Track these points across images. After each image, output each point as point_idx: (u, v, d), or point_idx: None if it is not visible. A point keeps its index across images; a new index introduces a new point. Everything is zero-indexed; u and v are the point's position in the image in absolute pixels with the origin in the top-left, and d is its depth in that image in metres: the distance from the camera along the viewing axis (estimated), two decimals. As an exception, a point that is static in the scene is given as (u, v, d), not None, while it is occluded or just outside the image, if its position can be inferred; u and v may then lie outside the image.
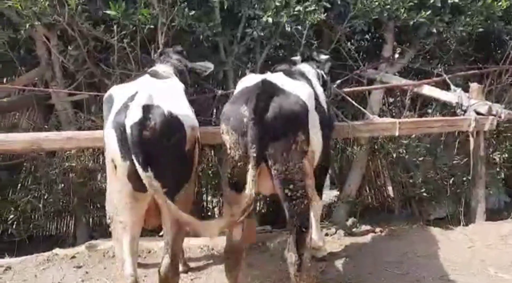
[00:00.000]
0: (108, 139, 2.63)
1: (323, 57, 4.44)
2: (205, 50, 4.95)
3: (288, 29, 4.78)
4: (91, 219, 5.10)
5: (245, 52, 5.07)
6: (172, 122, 2.65)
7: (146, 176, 2.48)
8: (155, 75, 3.22)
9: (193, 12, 4.47)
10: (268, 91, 2.92)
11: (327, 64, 4.46)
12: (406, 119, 4.95)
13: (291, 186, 2.92)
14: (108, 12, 4.23)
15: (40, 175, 4.65)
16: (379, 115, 5.53)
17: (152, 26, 4.42)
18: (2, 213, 4.49)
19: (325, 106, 3.71)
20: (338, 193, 6.03)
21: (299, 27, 4.85)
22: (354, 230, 5.10)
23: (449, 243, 4.63)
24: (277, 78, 3.24)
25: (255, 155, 2.77)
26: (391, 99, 6.07)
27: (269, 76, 3.29)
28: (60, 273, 3.73)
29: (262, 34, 4.82)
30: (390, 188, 6.22)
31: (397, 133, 4.77)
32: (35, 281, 3.64)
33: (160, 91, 2.80)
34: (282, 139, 2.88)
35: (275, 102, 2.88)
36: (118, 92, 2.80)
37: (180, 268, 3.86)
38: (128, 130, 2.51)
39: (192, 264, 4.08)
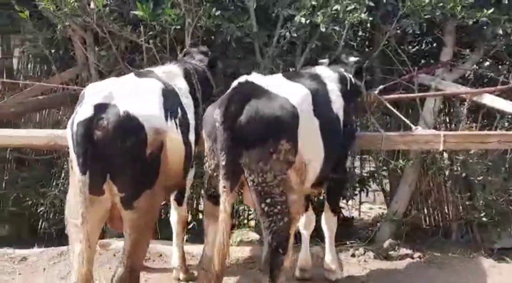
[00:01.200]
0: (67, 138, 2.56)
1: (352, 59, 4.03)
2: (238, 52, 4.79)
3: (323, 30, 4.43)
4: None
5: (280, 54, 4.82)
6: (128, 124, 2.48)
7: (80, 179, 2.35)
8: (140, 74, 3.09)
9: (218, 12, 4.32)
10: (245, 93, 2.66)
11: (355, 67, 4.04)
12: (453, 132, 4.34)
13: (268, 200, 2.62)
14: (135, 12, 4.25)
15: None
16: (435, 127, 4.96)
17: (178, 27, 4.36)
18: (34, 206, 4.71)
19: (337, 111, 3.34)
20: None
21: (337, 28, 4.48)
22: (391, 253, 4.60)
23: (500, 279, 3.96)
24: (267, 79, 2.96)
25: (224, 163, 2.53)
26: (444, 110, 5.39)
27: (257, 77, 3.00)
28: (67, 269, 3.76)
29: (295, 35, 4.54)
30: (446, 209, 5.55)
31: (441, 148, 4.16)
32: (41, 274, 3.72)
33: (127, 90, 2.66)
34: (258, 147, 2.59)
35: (250, 106, 2.60)
36: (89, 90, 2.71)
37: (181, 276, 3.77)
38: (74, 129, 2.41)
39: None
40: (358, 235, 5.36)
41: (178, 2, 4.30)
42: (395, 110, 4.54)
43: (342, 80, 3.71)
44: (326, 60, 4.00)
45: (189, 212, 4.98)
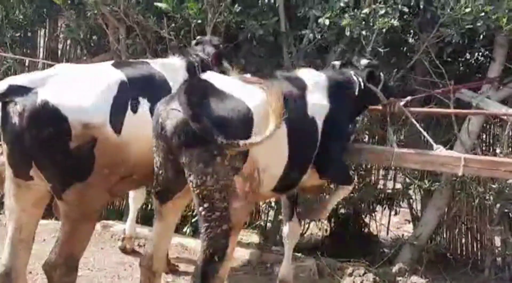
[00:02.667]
0: None
1: (363, 62, 3.75)
2: (261, 50, 4.70)
3: (348, 33, 4.19)
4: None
5: (306, 56, 4.65)
6: (46, 114, 2.40)
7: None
8: (119, 64, 2.99)
9: (239, 8, 4.26)
10: (193, 91, 2.52)
11: (367, 70, 3.75)
12: (476, 156, 3.88)
13: (206, 205, 2.45)
14: (159, 4, 4.33)
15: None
16: (473, 150, 4.52)
17: (200, 21, 4.37)
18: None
19: (313, 118, 3.11)
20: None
21: (364, 32, 4.21)
22: (399, 278, 4.25)
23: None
24: (226, 79, 2.81)
25: (162, 161, 2.49)
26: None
27: (214, 76, 2.82)
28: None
29: (319, 37, 4.35)
30: (479, 240, 5.02)
31: (460, 172, 3.74)
32: (40, 244, 3.92)
33: (70, 79, 2.58)
34: (198, 147, 2.42)
35: (195, 104, 2.43)
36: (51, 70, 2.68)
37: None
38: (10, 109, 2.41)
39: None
40: (376, 254, 5.05)
41: (202, -4, 4.32)
42: (418, 125, 4.17)
43: (335, 87, 3.39)
44: (338, 62, 3.77)
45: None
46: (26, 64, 5.22)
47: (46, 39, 5.45)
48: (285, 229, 3.59)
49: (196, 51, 3.76)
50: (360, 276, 4.13)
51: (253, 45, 4.61)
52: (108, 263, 3.80)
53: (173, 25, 4.50)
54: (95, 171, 2.52)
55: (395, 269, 4.32)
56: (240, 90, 2.65)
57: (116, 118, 2.63)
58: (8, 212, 2.60)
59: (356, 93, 3.46)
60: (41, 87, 2.45)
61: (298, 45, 4.59)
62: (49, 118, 2.40)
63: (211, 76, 2.71)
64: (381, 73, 3.71)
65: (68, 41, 5.41)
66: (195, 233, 4.79)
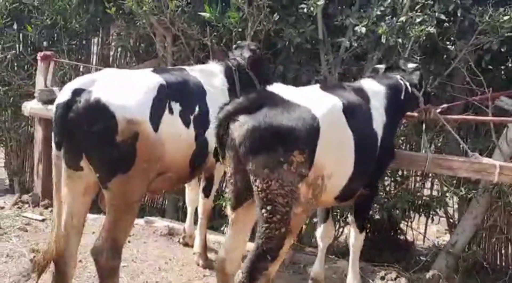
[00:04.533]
0: None
1: (411, 65, 3.83)
2: (299, 57, 4.85)
3: (384, 41, 4.28)
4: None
5: (343, 63, 4.76)
6: (97, 110, 2.67)
7: (53, 153, 2.70)
8: (157, 70, 3.29)
9: (277, 17, 4.44)
10: (256, 101, 2.67)
11: (415, 74, 3.84)
12: (511, 164, 3.85)
13: (269, 207, 2.58)
14: (202, 14, 4.59)
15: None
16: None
17: (240, 29, 4.59)
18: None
19: (376, 128, 3.27)
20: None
21: (400, 40, 4.29)
22: (432, 286, 4.26)
23: None
24: (292, 89, 2.95)
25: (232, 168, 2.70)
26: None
27: (279, 86, 2.90)
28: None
29: (355, 45, 4.46)
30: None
31: (495, 180, 3.76)
32: (89, 237, 4.14)
33: (116, 81, 2.86)
34: (264, 154, 2.54)
35: (260, 113, 2.59)
36: (98, 74, 2.99)
37: (200, 263, 3.99)
38: (53, 110, 2.74)
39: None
40: (411, 262, 5.05)
41: (243, 6, 4.52)
42: (453, 132, 4.19)
43: (392, 94, 3.55)
44: (382, 66, 3.87)
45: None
46: (81, 69, 5.61)
47: (99, 47, 5.83)
48: (319, 230, 3.72)
49: (234, 56, 4.02)
50: (392, 280, 4.18)
51: (291, 52, 4.76)
52: (150, 256, 4.05)
53: (215, 33, 4.74)
54: (136, 164, 2.78)
55: (428, 275, 4.32)
56: (308, 99, 2.79)
57: (155, 117, 2.89)
58: (62, 199, 2.86)
59: (402, 97, 3.57)
60: (93, 87, 2.75)
61: (335, 53, 4.71)
62: (99, 114, 2.69)
63: (277, 88, 2.85)
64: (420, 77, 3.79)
65: (119, 49, 5.76)
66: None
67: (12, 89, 5.26)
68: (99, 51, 5.84)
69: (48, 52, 4.83)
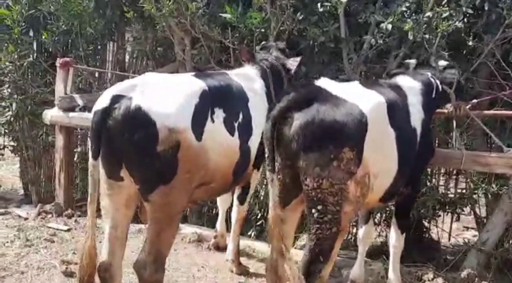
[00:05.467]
0: None
1: (442, 63, 3.77)
2: (322, 56, 4.78)
3: (411, 37, 4.21)
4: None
5: (367, 61, 4.69)
6: (138, 118, 2.52)
7: (90, 163, 2.56)
8: (199, 75, 3.09)
9: (301, 17, 4.37)
10: (307, 96, 2.64)
11: (448, 72, 3.77)
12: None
13: (319, 207, 2.54)
14: (224, 15, 4.51)
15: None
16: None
17: (263, 30, 4.51)
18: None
19: (415, 125, 3.22)
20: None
21: (427, 36, 4.22)
22: (468, 284, 4.18)
23: None
24: (338, 84, 2.89)
25: (280, 165, 2.64)
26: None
27: (326, 81, 2.86)
28: (139, 244, 4.12)
29: (381, 41, 4.38)
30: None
31: (533, 175, 3.70)
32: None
33: (157, 87, 2.70)
34: (315, 151, 2.50)
35: (311, 109, 2.56)
36: (139, 79, 2.82)
37: (234, 269, 3.90)
38: (91, 117, 2.60)
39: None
40: (440, 261, 4.96)
41: (265, 6, 4.45)
42: (485, 127, 4.13)
43: (426, 90, 3.50)
44: (414, 61, 3.80)
45: (260, 209, 5.12)
46: (96, 75, 5.53)
47: (115, 51, 5.75)
48: (361, 231, 3.65)
49: (265, 57, 3.89)
50: (429, 280, 4.10)
51: (315, 52, 4.69)
52: (182, 264, 3.95)
53: (236, 35, 4.65)
54: (178, 175, 2.63)
55: (463, 274, 4.24)
56: (354, 95, 2.72)
57: (197, 124, 2.72)
58: (104, 211, 2.78)
59: (433, 95, 3.49)
60: (133, 93, 2.60)
61: (359, 51, 4.64)
62: (140, 122, 2.53)
63: (324, 83, 2.79)
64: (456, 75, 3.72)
65: (135, 54, 5.68)
66: (259, 236, 4.94)
67: (28, 97, 5.16)
68: (115, 56, 5.75)
69: (67, 59, 4.74)
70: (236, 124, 3.06)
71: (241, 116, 3.13)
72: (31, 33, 5.21)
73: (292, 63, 3.93)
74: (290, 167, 2.60)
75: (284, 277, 2.82)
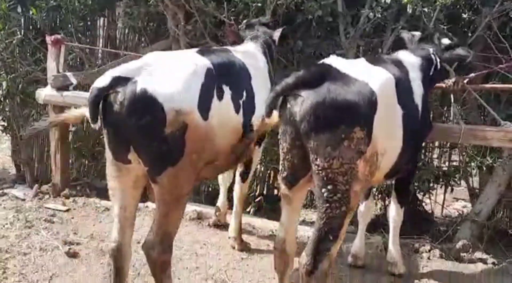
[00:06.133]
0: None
1: (444, 41, 3.75)
2: (319, 31, 4.72)
3: (409, 10, 4.18)
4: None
5: (364, 35, 4.65)
6: (145, 102, 2.49)
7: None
8: (203, 52, 3.05)
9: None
10: (318, 74, 2.62)
11: (457, 50, 3.76)
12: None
13: (329, 187, 2.54)
14: (217, -11, 4.41)
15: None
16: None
17: (259, 4, 4.42)
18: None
19: (417, 101, 3.22)
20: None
21: (426, 10, 4.19)
22: (463, 254, 4.28)
23: None
24: (347, 62, 2.88)
25: (289, 146, 2.67)
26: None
27: (335, 59, 2.83)
28: (138, 224, 4.11)
29: (378, 15, 4.34)
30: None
31: (530, 148, 3.76)
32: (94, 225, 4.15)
33: (163, 67, 2.66)
34: (327, 131, 2.49)
35: (323, 88, 2.54)
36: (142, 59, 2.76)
37: (236, 246, 3.95)
38: (88, 95, 2.56)
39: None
40: (435, 233, 5.07)
41: (261, -21, 4.36)
42: (483, 102, 4.16)
43: (425, 66, 3.49)
44: (418, 34, 3.78)
45: (259, 187, 5.15)
46: (88, 52, 5.38)
47: (105, 28, 5.59)
48: (361, 207, 3.70)
49: (254, 35, 3.86)
50: (426, 252, 4.21)
51: (312, 26, 4.63)
52: (184, 241, 3.96)
53: (232, 9, 4.56)
54: (185, 156, 2.62)
55: (459, 245, 4.35)
56: (363, 73, 2.70)
57: (204, 104, 2.70)
58: (112, 192, 2.78)
59: (431, 73, 3.49)
60: (138, 76, 2.55)
61: (356, 25, 4.60)
62: (147, 105, 2.51)
63: (334, 61, 2.76)
64: (469, 50, 3.70)
65: (126, 30, 5.54)
66: (257, 212, 4.98)
67: (19, 76, 5.01)
68: (105, 32, 5.60)
69: (59, 36, 4.60)
70: (241, 102, 3.05)
71: (245, 94, 3.12)
72: (19, 9, 5.04)
73: (276, 34, 3.92)
74: (299, 147, 2.59)
75: (292, 255, 2.86)
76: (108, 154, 2.71)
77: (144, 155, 2.61)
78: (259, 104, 3.20)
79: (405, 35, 3.81)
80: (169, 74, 2.64)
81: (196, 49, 3.18)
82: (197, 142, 2.66)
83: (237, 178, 3.91)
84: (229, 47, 3.53)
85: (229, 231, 4.01)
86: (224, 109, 2.88)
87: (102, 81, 2.57)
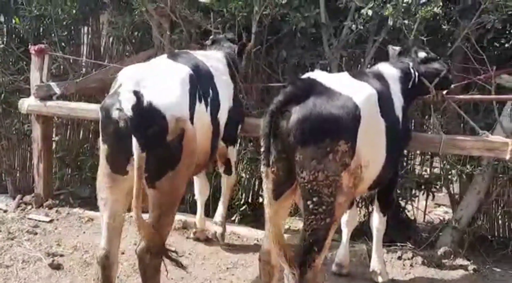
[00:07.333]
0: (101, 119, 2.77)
1: (421, 55, 3.84)
2: (303, 41, 4.79)
3: (390, 23, 4.27)
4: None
5: (347, 46, 4.74)
6: (151, 114, 2.61)
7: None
8: (173, 56, 3.28)
9: (285, 1, 4.35)
10: (304, 89, 2.73)
11: (432, 64, 3.85)
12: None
13: (315, 199, 2.61)
14: (202, 0, 4.44)
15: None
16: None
17: (245, 14, 4.47)
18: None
19: (398, 113, 3.31)
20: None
21: (406, 22, 4.29)
22: (444, 261, 4.37)
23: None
24: (331, 77, 3.00)
25: (275, 158, 2.71)
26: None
27: (320, 74, 2.97)
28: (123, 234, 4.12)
29: (360, 27, 4.43)
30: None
31: (507, 157, 3.85)
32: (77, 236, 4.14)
33: (154, 77, 2.78)
34: (313, 145, 2.57)
35: (308, 102, 2.64)
36: (123, 74, 2.87)
37: (218, 232, 4.08)
38: (114, 114, 2.60)
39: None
40: (417, 239, 5.15)
41: (247, -10, 4.40)
42: (462, 112, 4.27)
43: (404, 78, 3.57)
44: (398, 48, 3.88)
45: (244, 195, 5.17)
46: (71, 61, 5.36)
47: (89, 36, 5.57)
48: (345, 216, 3.75)
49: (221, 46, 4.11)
50: (409, 259, 4.28)
51: (297, 37, 4.69)
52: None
53: (218, 19, 4.60)
54: (182, 160, 2.77)
55: (440, 252, 4.45)
56: (347, 87, 2.79)
57: (191, 110, 2.91)
58: (103, 202, 2.81)
59: (409, 86, 3.56)
60: (142, 89, 2.67)
61: (338, 36, 4.67)
62: (153, 118, 2.63)
63: (318, 75, 2.86)
64: (445, 64, 3.80)
65: (111, 39, 5.53)
66: (242, 221, 4.99)
67: (1, 85, 4.96)
68: (90, 41, 5.58)
69: (42, 45, 4.58)
70: (208, 100, 3.23)
71: (211, 92, 3.31)
72: (1, 18, 5.01)
73: (238, 49, 4.14)
74: (285, 160, 2.65)
75: (277, 266, 2.90)
76: (104, 166, 2.77)
77: (147, 163, 2.65)
78: (223, 101, 3.46)
79: (390, 49, 3.92)
80: (163, 83, 2.79)
81: (166, 55, 3.42)
82: (190, 145, 2.83)
83: (223, 175, 4.12)
84: (189, 51, 3.70)
85: (215, 216, 4.17)
86: (201, 111, 3.09)
87: (129, 99, 2.60)
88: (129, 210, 3.05)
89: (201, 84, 3.17)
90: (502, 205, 5.18)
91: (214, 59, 3.76)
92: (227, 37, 4.16)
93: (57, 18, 5.11)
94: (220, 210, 4.16)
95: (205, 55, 3.71)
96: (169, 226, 2.91)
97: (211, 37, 4.22)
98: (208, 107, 3.23)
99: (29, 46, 4.69)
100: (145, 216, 2.76)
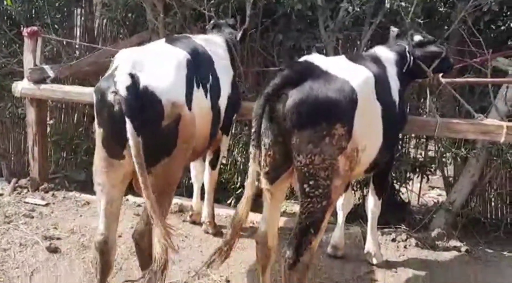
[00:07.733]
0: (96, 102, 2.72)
1: (417, 38, 3.82)
2: (299, 24, 4.76)
3: (387, 5, 4.25)
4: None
5: (343, 29, 4.70)
6: (146, 98, 2.56)
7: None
8: (172, 40, 3.22)
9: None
10: (301, 72, 2.71)
11: (428, 47, 3.83)
12: (518, 124, 3.97)
13: (311, 182, 2.61)
14: (197, -19, 4.38)
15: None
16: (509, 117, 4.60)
17: (240, -4, 4.42)
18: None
19: (395, 96, 3.29)
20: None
21: (403, 4, 4.26)
22: (438, 243, 4.42)
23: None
24: (328, 60, 2.95)
25: (271, 141, 2.71)
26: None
27: (317, 57, 2.94)
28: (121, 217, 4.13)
29: (357, 9, 4.39)
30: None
31: (502, 140, 3.88)
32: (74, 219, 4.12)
33: (150, 61, 2.74)
34: (309, 128, 2.56)
35: (305, 86, 2.61)
36: (119, 57, 2.84)
37: (210, 230, 4.06)
38: (110, 97, 2.56)
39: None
40: (411, 221, 5.21)
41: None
42: (458, 95, 4.27)
43: (401, 62, 3.57)
44: (396, 30, 3.84)
45: (240, 178, 5.18)
46: (65, 44, 5.29)
47: (82, 18, 5.50)
48: (340, 199, 3.76)
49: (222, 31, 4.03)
50: (403, 241, 4.32)
51: (292, 19, 4.65)
52: (165, 234, 3.98)
53: (212, 1, 4.54)
54: (178, 146, 2.74)
55: (434, 233, 4.50)
56: (344, 71, 2.77)
57: (189, 95, 2.84)
58: (99, 188, 2.78)
59: (404, 70, 3.56)
60: (138, 72, 2.62)
61: (335, 19, 4.64)
62: (149, 102, 2.59)
63: (315, 58, 2.83)
64: (443, 47, 3.77)
65: (104, 21, 5.46)
66: (237, 204, 5.00)
67: (-6, 69, 4.92)
68: (83, 23, 5.50)
69: (35, 28, 4.50)
70: (208, 86, 3.17)
71: (210, 78, 3.24)
72: (-8, 0, 4.93)
73: (239, 35, 4.08)
74: (282, 143, 2.65)
75: (274, 248, 2.93)
76: (101, 150, 2.73)
77: (143, 148, 2.61)
78: (223, 88, 3.40)
79: (391, 31, 3.86)
80: (159, 69, 2.74)
81: (164, 39, 3.33)
82: (187, 131, 2.79)
83: (207, 166, 4.02)
84: (189, 35, 3.63)
85: (203, 216, 4.12)
86: (200, 96, 3.02)
87: (124, 81, 2.55)
88: (126, 194, 3.07)
89: (200, 69, 3.11)
90: (495, 188, 5.26)
91: (214, 44, 3.69)
92: (227, 23, 4.07)
93: (49, 0, 5.03)
94: (207, 209, 4.08)
95: (205, 39, 3.63)
96: (166, 210, 2.89)
97: (212, 21, 4.14)
98: (208, 93, 3.16)
99: (22, 29, 4.62)
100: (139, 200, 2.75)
